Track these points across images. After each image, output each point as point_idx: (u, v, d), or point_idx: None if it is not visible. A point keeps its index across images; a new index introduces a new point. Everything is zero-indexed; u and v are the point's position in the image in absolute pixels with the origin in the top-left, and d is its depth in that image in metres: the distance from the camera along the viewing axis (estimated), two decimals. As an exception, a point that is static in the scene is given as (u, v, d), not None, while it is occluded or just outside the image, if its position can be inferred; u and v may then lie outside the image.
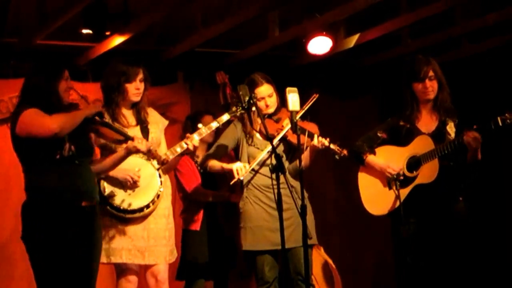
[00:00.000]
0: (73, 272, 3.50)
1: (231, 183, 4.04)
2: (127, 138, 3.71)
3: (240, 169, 3.99)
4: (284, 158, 4.13)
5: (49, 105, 3.50)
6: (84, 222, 3.55)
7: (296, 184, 3.93)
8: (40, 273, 3.48)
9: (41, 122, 3.43)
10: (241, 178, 4.01)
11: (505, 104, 3.81)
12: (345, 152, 4.00)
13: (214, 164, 4.17)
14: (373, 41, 5.69)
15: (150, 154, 3.80)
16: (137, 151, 3.74)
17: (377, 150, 4.15)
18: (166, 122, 4.19)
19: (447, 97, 4.02)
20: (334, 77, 6.60)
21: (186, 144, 3.89)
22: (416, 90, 4.03)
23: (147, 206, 3.90)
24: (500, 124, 3.72)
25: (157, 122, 4.11)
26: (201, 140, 4.22)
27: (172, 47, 5.81)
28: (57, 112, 3.49)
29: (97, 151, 3.92)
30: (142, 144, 3.70)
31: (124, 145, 3.75)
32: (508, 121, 3.70)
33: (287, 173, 3.86)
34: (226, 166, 4.10)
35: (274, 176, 3.50)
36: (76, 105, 3.72)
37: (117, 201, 3.86)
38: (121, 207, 3.86)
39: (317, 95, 4.12)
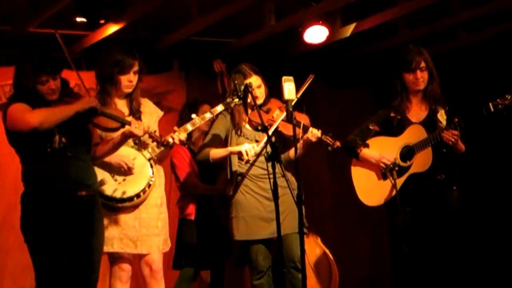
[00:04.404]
0: (72, 261, 3.49)
1: (244, 162, 4.00)
2: (123, 123, 3.67)
3: (249, 150, 3.95)
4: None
5: (33, 102, 3.48)
6: (82, 212, 3.54)
7: (288, 174, 3.90)
8: (38, 263, 3.48)
9: (22, 117, 3.44)
10: (251, 159, 3.97)
11: (501, 91, 3.81)
12: (338, 143, 4.00)
13: (217, 152, 4.11)
14: (369, 30, 5.66)
15: (149, 136, 3.75)
16: (133, 135, 3.71)
17: (370, 141, 4.15)
18: (161, 113, 4.16)
19: (437, 87, 4.03)
20: (330, 67, 6.57)
21: (172, 138, 3.83)
22: (407, 80, 4.03)
23: (138, 196, 3.87)
24: (492, 109, 3.72)
25: (151, 113, 4.08)
26: (198, 129, 4.19)
27: (168, 36, 5.78)
28: (44, 106, 3.47)
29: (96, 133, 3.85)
30: (138, 129, 3.66)
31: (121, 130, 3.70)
32: (499, 106, 3.71)
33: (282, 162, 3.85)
34: (233, 149, 4.06)
35: (269, 165, 3.47)
36: (77, 96, 3.67)
37: (107, 189, 3.83)
38: (111, 196, 3.83)
39: (313, 76, 4.09)
